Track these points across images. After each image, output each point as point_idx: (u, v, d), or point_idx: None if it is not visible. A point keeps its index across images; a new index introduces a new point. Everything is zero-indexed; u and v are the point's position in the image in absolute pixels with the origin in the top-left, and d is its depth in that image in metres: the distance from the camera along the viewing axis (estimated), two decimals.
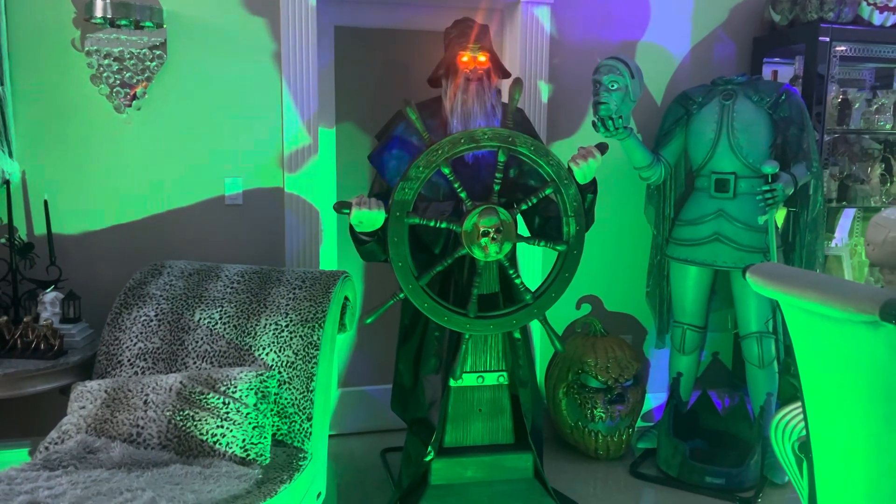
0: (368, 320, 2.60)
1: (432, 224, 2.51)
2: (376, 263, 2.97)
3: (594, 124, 3.16)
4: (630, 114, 3.19)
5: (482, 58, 2.74)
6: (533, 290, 2.68)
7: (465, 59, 2.71)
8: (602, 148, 2.59)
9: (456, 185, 2.52)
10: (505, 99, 2.80)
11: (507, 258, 2.62)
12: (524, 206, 2.60)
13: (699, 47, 3.68)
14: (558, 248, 2.63)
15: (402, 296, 2.54)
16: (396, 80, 3.58)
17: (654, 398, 3.85)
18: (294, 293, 2.78)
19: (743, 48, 3.72)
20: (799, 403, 2.13)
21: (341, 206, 2.42)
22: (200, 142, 3.15)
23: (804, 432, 2.06)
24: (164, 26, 3.04)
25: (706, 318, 3.50)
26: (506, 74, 2.89)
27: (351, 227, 2.58)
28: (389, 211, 2.46)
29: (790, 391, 2.88)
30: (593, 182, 2.65)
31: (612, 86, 3.08)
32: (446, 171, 2.48)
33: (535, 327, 3.62)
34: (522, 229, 3.44)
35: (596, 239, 3.47)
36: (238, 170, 3.20)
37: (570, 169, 2.57)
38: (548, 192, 2.57)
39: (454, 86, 2.74)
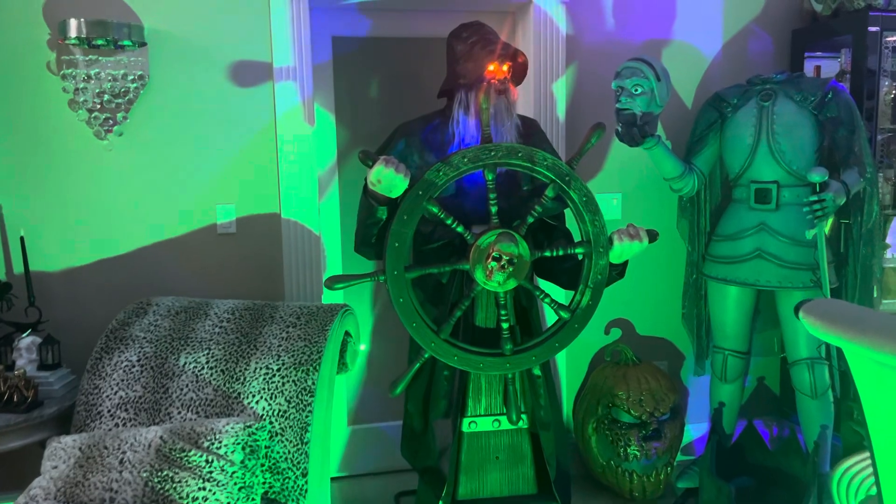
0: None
1: (449, 221, 2.21)
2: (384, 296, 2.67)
3: (617, 133, 2.86)
4: (657, 120, 2.87)
5: (506, 68, 2.46)
6: (533, 335, 2.39)
7: (492, 68, 2.43)
8: (653, 235, 2.28)
9: (492, 196, 2.23)
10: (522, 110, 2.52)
11: (508, 295, 2.30)
12: (548, 254, 2.29)
13: (732, 44, 3.35)
14: (561, 313, 2.31)
15: (382, 279, 2.22)
16: (401, 91, 3.31)
17: (695, 429, 3.51)
18: (287, 332, 2.52)
19: (781, 43, 3.38)
20: (866, 455, 1.81)
21: (367, 157, 2.12)
22: (189, 167, 2.91)
23: (874, 490, 1.74)
24: (146, 44, 2.81)
25: (750, 343, 3.16)
26: (519, 81, 2.61)
27: (365, 186, 2.28)
28: (412, 186, 2.16)
29: (853, 438, 2.54)
30: (624, 265, 2.35)
31: (636, 90, 2.78)
32: (489, 176, 2.19)
33: (560, 357, 3.31)
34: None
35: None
36: (231, 196, 2.96)
37: (610, 239, 2.26)
38: (577, 251, 2.27)
39: (478, 99, 2.45)
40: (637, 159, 3.25)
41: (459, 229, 2.19)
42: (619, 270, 2.36)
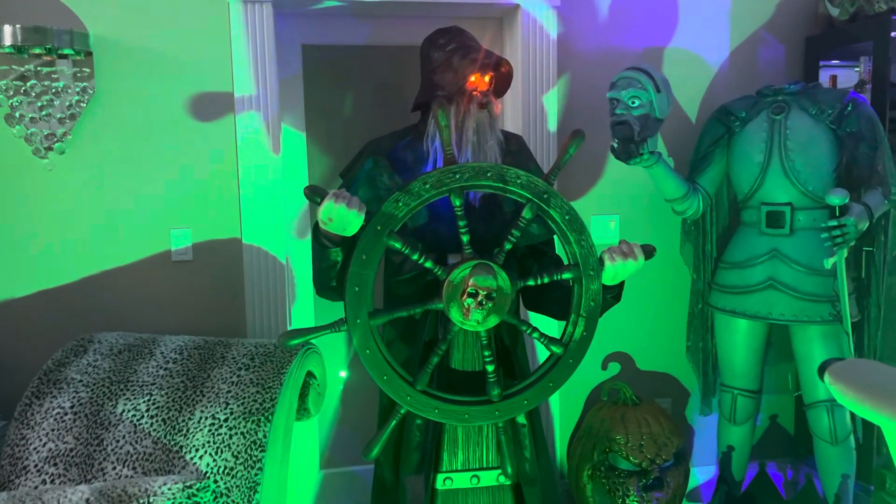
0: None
1: (415, 257, 1.92)
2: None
3: (613, 149, 2.57)
4: (657, 135, 2.59)
5: (487, 79, 2.19)
6: (521, 377, 2.10)
7: (473, 78, 2.16)
8: (649, 252, 1.99)
9: (461, 224, 1.93)
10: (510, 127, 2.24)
11: (489, 334, 2.01)
12: (531, 283, 2.00)
13: (740, 52, 3.07)
14: (553, 348, 2.01)
15: (343, 329, 1.93)
16: (379, 104, 3.05)
17: (701, 472, 3.20)
18: (238, 375, 2.24)
19: (793, 51, 3.10)
20: None
21: (314, 192, 1.82)
22: (140, 188, 2.64)
23: None
24: (92, 54, 2.55)
25: (761, 380, 2.86)
26: (502, 93, 2.33)
27: (316, 226, 1.99)
28: (369, 221, 1.87)
29: None
30: (620, 286, 2.06)
31: (633, 102, 2.50)
32: (457, 202, 1.90)
33: (553, 396, 3.01)
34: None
35: (626, 285, 2.83)
36: (186, 219, 2.68)
37: (601, 260, 1.97)
38: (565, 276, 1.98)
39: (460, 113, 2.17)
40: (636, 178, 2.96)
41: (427, 264, 1.91)
42: (614, 293, 2.06)
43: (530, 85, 2.87)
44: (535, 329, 1.99)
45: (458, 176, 1.86)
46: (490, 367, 1.98)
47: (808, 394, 2.69)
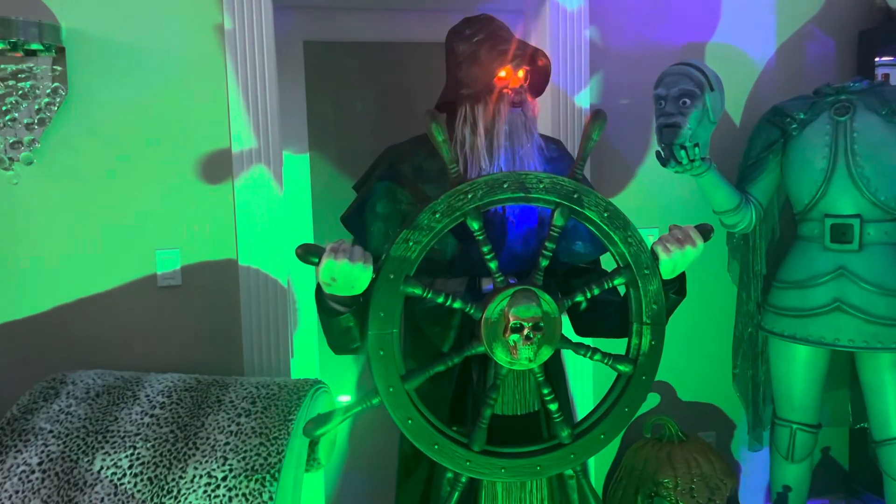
0: None
1: (440, 300, 1.61)
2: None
3: (658, 155, 2.28)
4: (709, 139, 2.30)
5: (521, 73, 1.88)
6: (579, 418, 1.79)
7: (503, 73, 1.85)
8: (705, 232, 1.69)
9: (484, 250, 1.63)
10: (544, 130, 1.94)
11: (543, 367, 1.71)
12: (580, 298, 1.70)
13: (787, 48, 2.78)
14: (620, 367, 1.71)
15: (376, 402, 1.62)
16: (388, 106, 2.73)
17: None
18: (238, 423, 1.91)
19: (846, 46, 2.82)
20: None
21: (307, 252, 1.51)
22: (120, 203, 2.31)
23: None
24: (64, 48, 2.22)
25: (821, 412, 2.56)
26: (540, 91, 2.03)
27: (318, 289, 1.67)
28: (379, 271, 1.57)
29: None
30: (681, 278, 1.75)
31: (684, 102, 2.20)
32: (475, 225, 1.60)
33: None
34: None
35: None
36: (174, 238, 2.35)
37: (654, 254, 1.66)
38: (618, 281, 1.68)
39: (488, 113, 1.86)
40: (676, 187, 2.67)
41: (457, 305, 1.60)
42: (675, 288, 1.75)
43: (560, 84, 2.57)
44: (595, 350, 1.68)
45: (470, 196, 1.57)
46: (553, 406, 1.68)
47: (879, 430, 2.39)
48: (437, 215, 1.55)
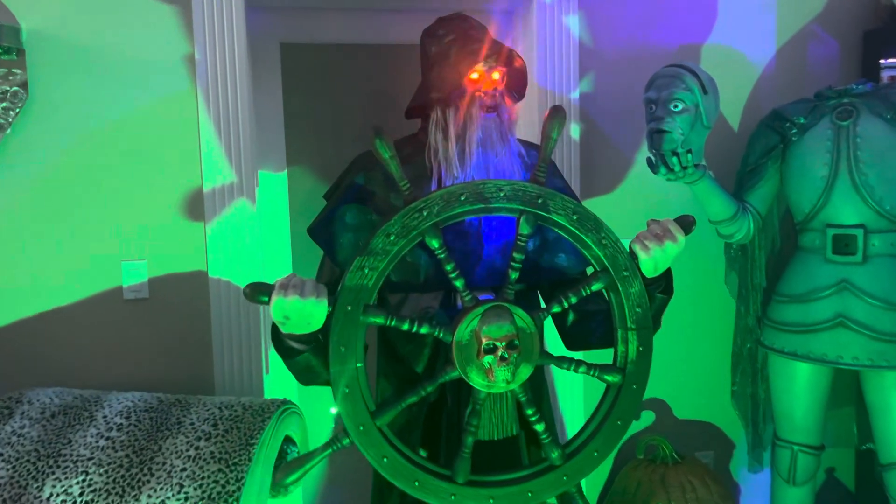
0: None
1: (405, 327, 1.50)
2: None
3: (649, 162, 2.16)
4: (703, 145, 2.17)
5: (496, 74, 1.76)
6: (569, 438, 1.66)
7: (475, 75, 1.74)
8: (686, 224, 1.57)
9: (448, 268, 1.52)
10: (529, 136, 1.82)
11: (525, 387, 1.59)
12: (556, 309, 1.58)
13: (788, 49, 2.66)
14: (608, 378, 1.59)
15: (346, 442, 1.51)
16: (372, 111, 2.63)
17: None
18: (197, 448, 1.80)
19: (849, 47, 2.69)
20: None
21: (256, 292, 1.40)
22: (84, 213, 2.21)
23: None
24: (24, 51, 2.12)
25: (824, 433, 2.43)
26: (519, 97, 1.91)
27: (274, 328, 1.57)
28: (335, 304, 1.46)
29: None
30: (666, 275, 1.63)
31: (676, 106, 2.08)
32: (434, 243, 1.49)
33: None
34: (553, 337, 2.42)
35: None
36: (141, 250, 2.25)
37: (633, 254, 1.55)
38: (596, 287, 1.56)
39: (459, 118, 1.75)
40: (669, 195, 2.55)
41: (423, 331, 1.49)
42: (661, 287, 1.63)
43: (548, 87, 2.45)
44: (579, 363, 1.56)
45: (425, 213, 1.46)
46: (540, 427, 1.56)
47: (885, 452, 2.26)
48: (392, 237, 1.44)
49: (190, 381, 2.28)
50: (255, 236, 2.31)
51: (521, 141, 1.87)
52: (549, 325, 1.92)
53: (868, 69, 2.65)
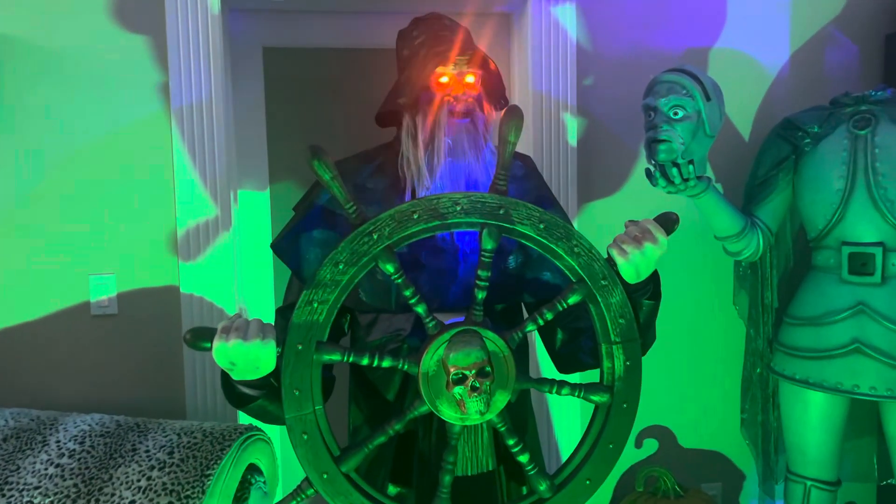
0: None
1: (364, 363, 1.37)
2: None
3: (648, 173, 2.01)
4: (706, 155, 2.02)
5: (470, 78, 1.63)
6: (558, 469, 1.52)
7: (444, 79, 1.61)
8: (668, 223, 1.42)
9: (406, 293, 1.39)
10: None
11: (504, 416, 1.45)
12: (531, 327, 1.44)
13: (803, 53, 2.49)
14: (595, 398, 1.44)
15: (311, 492, 1.38)
16: (357, 119, 2.50)
17: None
18: (149, 478, 1.67)
19: (869, 51, 2.51)
20: None
21: (196, 338, 1.29)
22: (51, 224, 2.11)
23: None
24: None
25: (840, 466, 2.24)
26: (504, 103, 1.77)
27: (224, 374, 1.44)
28: (284, 344, 1.34)
29: None
30: (653, 279, 1.48)
31: (676, 113, 1.93)
32: (389, 268, 1.36)
33: None
34: (543, 355, 2.29)
35: (662, 342, 2.14)
36: (109, 262, 2.14)
37: (611, 260, 1.40)
38: (573, 300, 1.41)
39: (427, 125, 1.62)
40: (672, 208, 2.37)
41: (385, 364, 1.36)
42: (647, 293, 1.48)
43: (543, 92, 2.31)
44: (561, 384, 1.41)
45: (376, 236, 1.33)
46: (524, 458, 1.42)
47: None
48: (341, 266, 1.31)
49: (160, 403, 2.16)
50: (231, 247, 2.19)
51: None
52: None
53: (889, 75, 2.47)
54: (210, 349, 1.27)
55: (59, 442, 1.80)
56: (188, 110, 2.12)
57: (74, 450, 1.77)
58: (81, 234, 2.12)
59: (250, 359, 1.27)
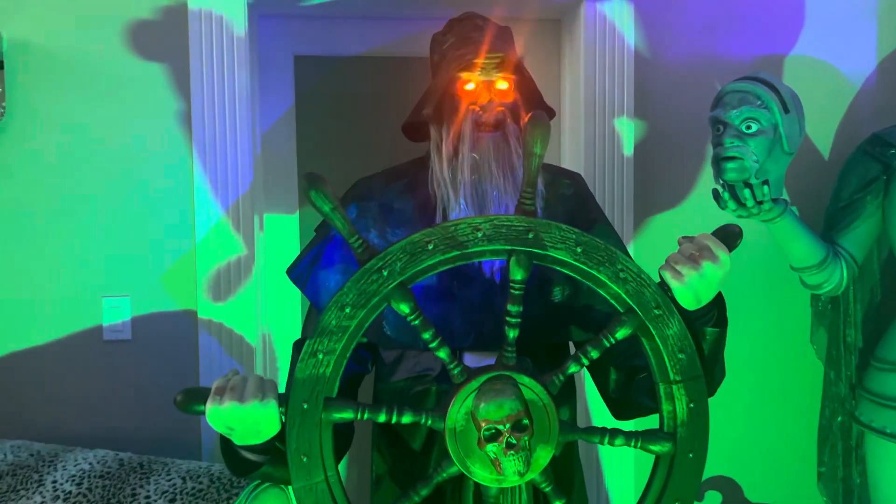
0: None
1: (381, 419, 1.18)
2: None
3: (716, 195, 1.78)
4: (783, 175, 1.78)
5: (502, 84, 1.44)
6: None
7: (470, 86, 1.42)
8: (730, 237, 1.20)
9: (426, 336, 1.19)
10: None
11: (547, 474, 1.23)
12: (575, 368, 1.22)
13: (892, 62, 2.23)
14: (655, 448, 1.22)
15: None
16: (396, 132, 2.32)
17: None
18: None
19: None
20: None
21: (188, 401, 1.14)
22: (62, 242, 1.98)
23: None
24: (3, 63, 1.92)
25: None
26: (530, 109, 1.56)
27: (223, 438, 1.27)
28: (287, 404, 1.16)
29: None
30: (717, 304, 1.25)
31: (750, 127, 1.70)
32: (404, 308, 1.16)
33: None
34: (594, 397, 2.07)
35: (727, 380, 1.90)
36: (124, 284, 2.00)
37: (664, 284, 1.18)
38: (621, 333, 1.19)
39: (451, 138, 1.44)
40: (746, 233, 2.14)
41: (406, 420, 1.18)
42: (710, 320, 1.24)
43: (597, 103, 2.10)
44: (614, 433, 1.20)
45: (386, 273, 1.13)
46: None
47: None
48: (348, 309, 1.12)
49: (172, 437, 2.00)
50: (254, 269, 2.03)
51: (548, 166, 1.52)
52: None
53: None
54: (202, 411, 1.11)
55: (55, 482, 1.65)
56: (210, 133, 1.97)
57: (70, 492, 1.61)
58: (95, 253, 1.98)
59: (249, 423, 1.10)
